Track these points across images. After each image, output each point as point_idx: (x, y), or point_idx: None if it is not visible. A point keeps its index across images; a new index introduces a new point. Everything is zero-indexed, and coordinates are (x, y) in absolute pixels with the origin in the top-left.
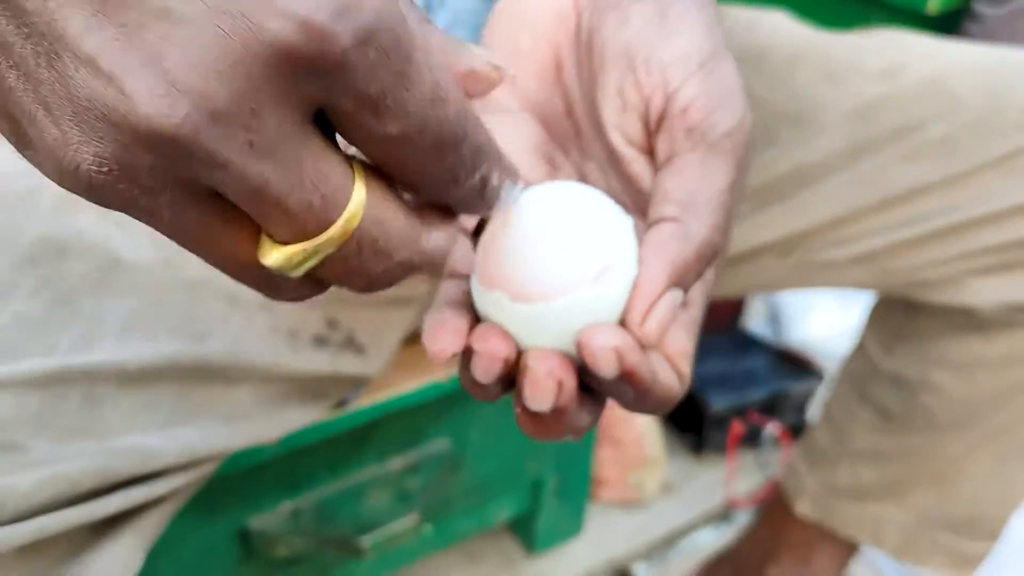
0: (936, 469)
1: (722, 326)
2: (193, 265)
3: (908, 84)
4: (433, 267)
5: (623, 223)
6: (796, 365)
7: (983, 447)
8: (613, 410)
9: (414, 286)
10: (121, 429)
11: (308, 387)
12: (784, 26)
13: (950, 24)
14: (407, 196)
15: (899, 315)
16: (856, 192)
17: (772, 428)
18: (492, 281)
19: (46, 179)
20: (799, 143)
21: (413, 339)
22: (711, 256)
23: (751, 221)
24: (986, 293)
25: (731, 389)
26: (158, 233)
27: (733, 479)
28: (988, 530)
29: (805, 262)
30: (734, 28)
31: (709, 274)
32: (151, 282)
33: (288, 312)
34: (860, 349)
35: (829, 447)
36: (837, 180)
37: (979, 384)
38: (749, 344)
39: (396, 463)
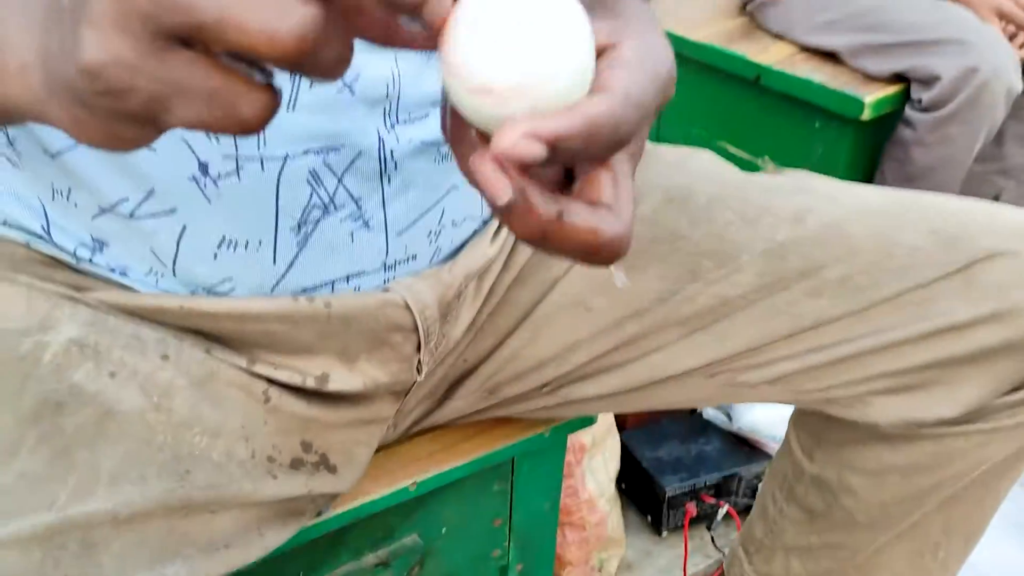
0: (859, 563)
1: (679, 412)
2: (178, 406)
3: (812, 228)
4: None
5: (579, 23)
6: (747, 448)
7: (899, 544)
8: (576, 495)
9: (380, 409)
10: (113, 571)
11: (285, 508)
12: (708, 168)
13: (885, 128)
14: None
15: (818, 423)
16: (770, 323)
17: (725, 509)
18: (448, 68)
19: (48, 336)
20: (720, 278)
21: (381, 448)
22: (612, 129)
23: (679, 347)
24: (887, 411)
25: (686, 472)
26: (147, 380)
27: (690, 558)
28: None
29: (728, 383)
30: (662, 168)
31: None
32: (141, 427)
33: (266, 439)
34: (786, 450)
35: (764, 539)
36: (754, 312)
37: (890, 488)
38: (704, 428)
39: (369, 559)
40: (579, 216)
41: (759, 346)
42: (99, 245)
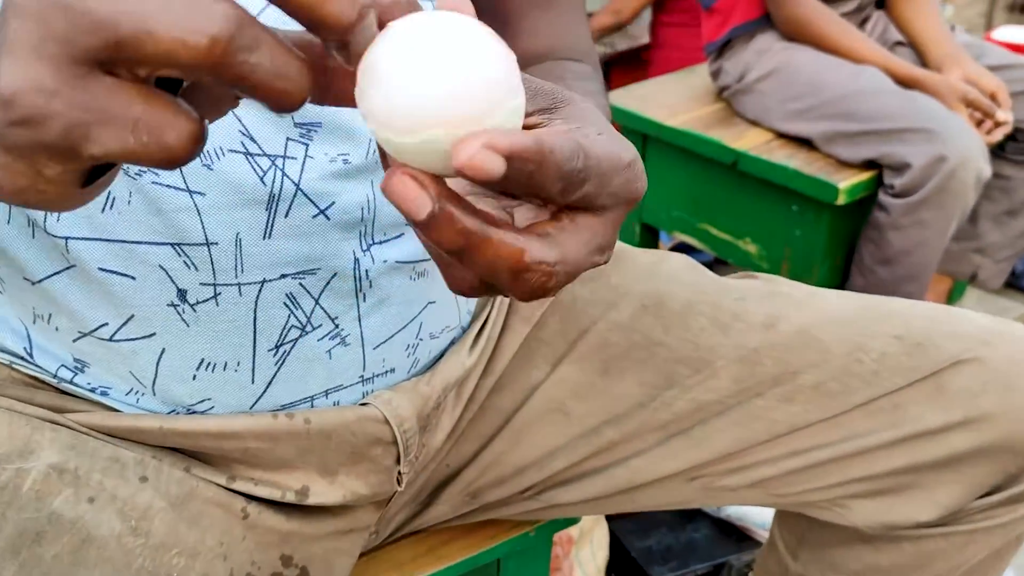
0: None
1: None
2: (156, 528)
3: (784, 334)
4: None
5: (501, 56)
6: (737, 536)
7: None
8: None
9: (361, 518)
10: None
11: None
12: (681, 273)
13: (860, 211)
14: None
15: (800, 523)
16: (747, 428)
17: None
18: (368, 114)
19: (28, 462)
20: (696, 384)
21: (363, 553)
22: (569, 165)
23: (658, 452)
24: (866, 514)
25: (676, 561)
26: (125, 503)
27: None
28: None
29: (708, 486)
30: (638, 273)
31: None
32: (119, 552)
33: (244, 555)
34: (772, 546)
35: None
36: (730, 417)
37: None
38: (693, 515)
39: None
40: (507, 232)
41: (737, 451)
42: (80, 366)
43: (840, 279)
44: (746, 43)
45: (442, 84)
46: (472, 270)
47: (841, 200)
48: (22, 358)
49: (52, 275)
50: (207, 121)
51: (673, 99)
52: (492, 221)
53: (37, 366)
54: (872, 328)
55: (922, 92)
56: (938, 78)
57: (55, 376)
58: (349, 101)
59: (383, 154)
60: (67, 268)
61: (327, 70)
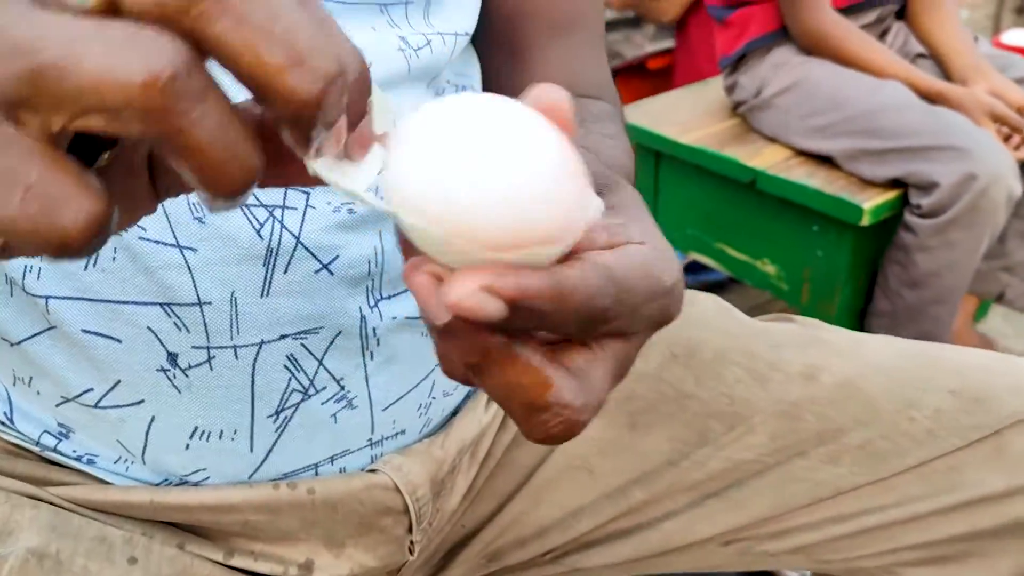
0: None
1: None
2: None
3: (826, 387)
4: None
5: (570, 175)
6: None
7: None
8: None
9: None
10: None
11: None
12: (712, 317)
13: (885, 231)
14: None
15: None
16: (787, 491)
17: None
18: (392, 189)
19: (5, 546)
20: (731, 441)
21: None
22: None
23: (691, 515)
24: None
25: None
26: None
27: None
28: None
29: (745, 551)
30: None
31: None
32: None
33: None
34: None
35: None
36: (769, 478)
37: None
38: None
39: None
40: (533, 355)
41: (777, 515)
42: (65, 431)
43: (864, 302)
44: (762, 57)
45: (496, 198)
46: (482, 385)
47: (865, 221)
48: (1, 423)
49: (32, 336)
50: (115, 216)
51: (686, 115)
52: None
53: (18, 432)
54: (923, 381)
55: (947, 107)
56: (964, 92)
57: (38, 443)
58: (297, 182)
59: (402, 235)
60: (48, 329)
61: (277, 148)
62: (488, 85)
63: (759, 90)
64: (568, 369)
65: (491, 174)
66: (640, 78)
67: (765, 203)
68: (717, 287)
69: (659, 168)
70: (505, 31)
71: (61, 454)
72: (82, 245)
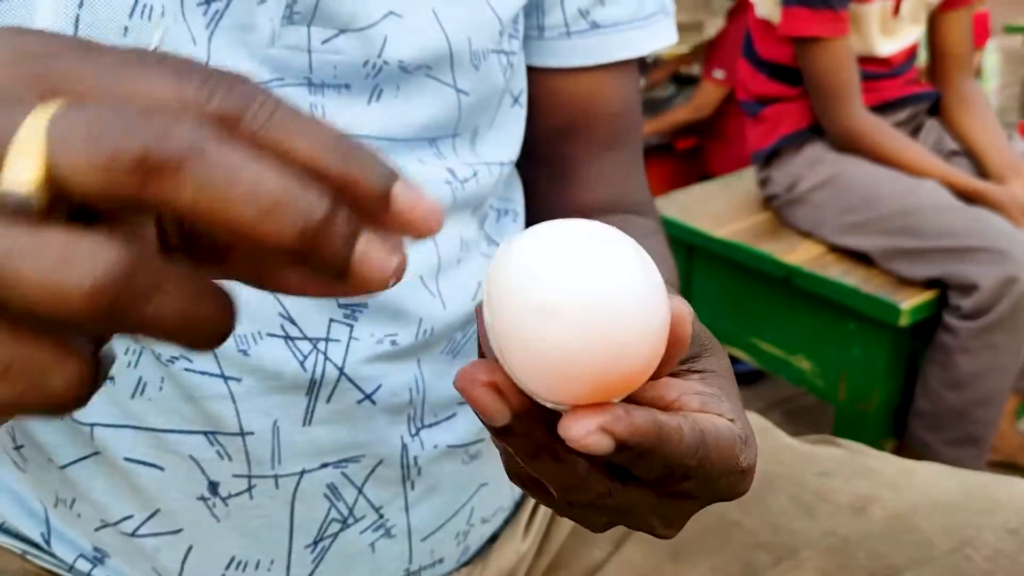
0: None
1: None
2: None
3: (877, 521)
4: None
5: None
6: None
7: None
8: None
9: None
10: None
11: None
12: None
13: (923, 330)
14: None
15: None
16: None
17: None
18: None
19: None
20: (779, 575)
21: None
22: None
23: None
24: None
25: None
26: None
27: None
28: None
29: None
30: None
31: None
32: None
33: None
34: None
35: None
36: None
37: None
38: None
39: None
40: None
41: None
42: (100, 556)
43: (903, 401)
44: (795, 152)
45: (592, 348)
46: (534, 471)
47: (903, 322)
48: (37, 546)
49: (76, 461)
50: (105, 365)
51: (719, 207)
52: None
53: (53, 556)
54: (980, 517)
55: (985, 206)
56: (1002, 191)
57: (72, 569)
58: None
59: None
60: (92, 455)
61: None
62: (532, 202)
63: (792, 185)
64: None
65: (600, 319)
66: (668, 159)
67: (800, 299)
68: (749, 378)
69: (692, 261)
70: (550, 149)
71: None
72: (76, 403)
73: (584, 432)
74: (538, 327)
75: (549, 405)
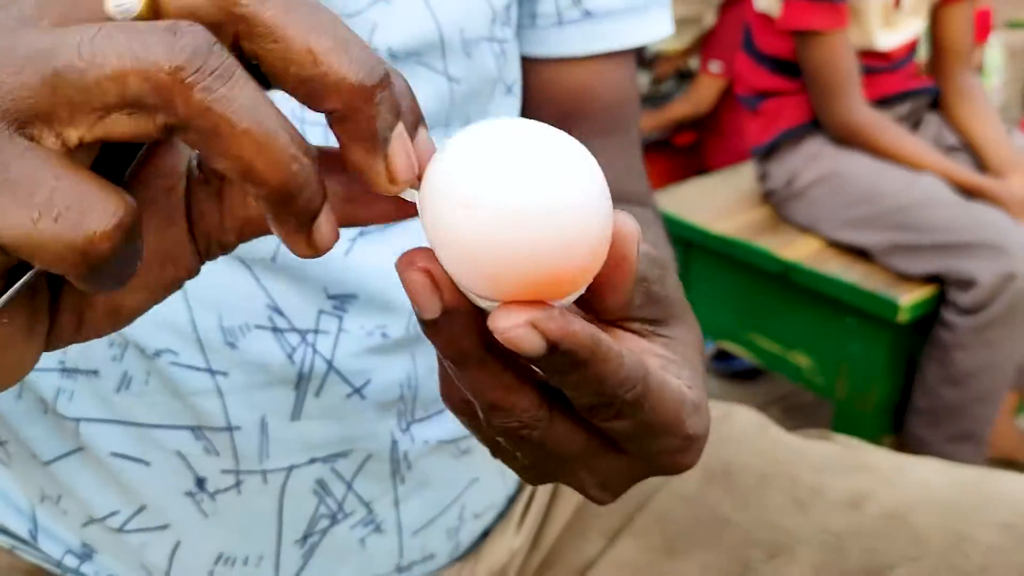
0: None
1: None
2: None
3: (871, 517)
4: None
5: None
6: None
7: None
8: None
9: None
10: None
11: None
12: (750, 435)
13: (922, 326)
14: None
15: None
16: None
17: None
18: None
19: None
20: (773, 571)
21: None
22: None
23: None
24: None
25: None
26: None
27: None
28: None
29: None
30: None
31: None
32: None
33: None
34: None
35: None
36: None
37: None
38: None
39: None
40: (505, 370)
41: None
42: (88, 552)
43: (901, 396)
44: (794, 147)
45: (531, 237)
46: (461, 383)
47: (902, 318)
48: (24, 542)
49: (61, 456)
50: (141, 239)
51: (717, 202)
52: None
53: (41, 552)
54: (975, 514)
55: (984, 201)
56: (1001, 186)
57: (59, 564)
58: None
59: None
60: (77, 450)
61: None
62: None
63: (791, 180)
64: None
65: (532, 211)
66: (666, 155)
67: (798, 295)
68: (745, 375)
69: (690, 256)
70: None
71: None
72: (110, 253)
73: (512, 323)
74: (466, 217)
75: (483, 304)
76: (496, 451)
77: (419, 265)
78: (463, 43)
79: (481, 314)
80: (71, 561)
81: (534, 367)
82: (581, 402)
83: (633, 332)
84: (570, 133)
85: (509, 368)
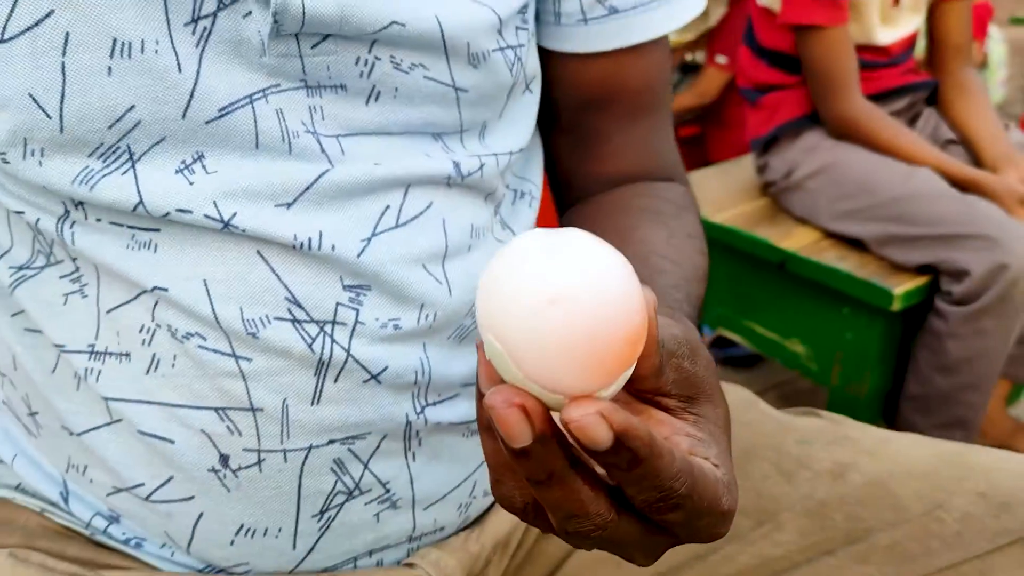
0: None
1: None
2: None
3: (854, 486)
4: None
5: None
6: None
7: None
8: None
9: None
10: None
11: None
12: (739, 412)
13: (916, 315)
14: None
15: None
16: None
17: None
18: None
19: None
20: (760, 537)
21: None
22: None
23: None
24: None
25: None
26: None
27: None
28: None
29: None
30: None
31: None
32: None
33: None
34: None
35: None
36: (798, 575)
37: None
38: None
39: None
40: (584, 480)
41: None
42: (115, 517)
43: (894, 385)
44: (793, 140)
45: (588, 341)
46: (530, 491)
47: (896, 306)
48: (55, 504)
49: (92, 430)
50: None
51: (717, 193)
52: (580, 461)
53: (71, 514)
54: (952, 483)
55: (979, 194)
56: (996, 180)
57: (88, 526)
58: None
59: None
60: (108, 424)
61: None
62: (556, 172)
63: (789, 172)
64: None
65: (593, 309)
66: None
67: (795, 284)
68: (744, 362)
69: None
70: (578, 118)
71: (111, 537)
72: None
73: (583, 413)
74: (545, 317)
75: (551, 400)
76: (557, 536)
77: (516, 402)
78: (469, 56)
79: (564, 441)
80: (100, 523)
81: (600, 466)
82: (642, 498)
83: (666, 409)
84: (597, 118)
85: (588, 481)
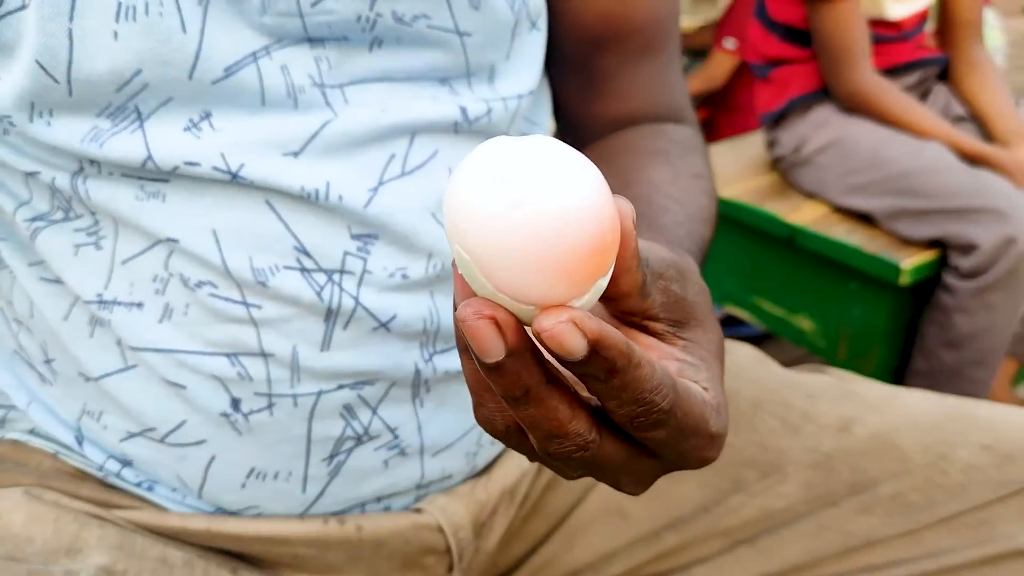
0: None
1: None
2: None
3: (860, 439)
4: None
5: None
6: None
7: None
8: None
9: None
10: None
11: None
12: (747, 367)
13: (924, 291)
14: None
15: None
16: (819, 540)
17: None
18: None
19: (76, 563)
20: (764, 489)
21: None
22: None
23: (722, 561)
24: None
25: None
26: None
27: None
28: None
29: None
30: None
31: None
32: None
33: None
34: None
35: None
36: (801, 527)
37: None
38: None
39: None
40: (563, 394)
41: (808, 563)
42: (127, 461)
43: (901, 360)
44: (803, 114)
45: (554, 247)
46: (510, 412)
47: (904, 280)
48: (68, 447)
49: (108, 375)
50: None
51: (727, 168)
52: (557, 378)
53: (84, 457)
54: (956, 435)
55: (989, 169)
56: (1006, 155)
57: (101, 468)
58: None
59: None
60: (123, 369)
61: None
62: (562, 112)
63: (799, 147)
64: (590, 409)
65: (562, 213)
66: None
67: (803, 259)
68: (752, 342)
69: None
70: (584, 57)
71: (124, 479)
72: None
73: (555, 321)
74: (517, 216)
75: (523, 311)
76: (541, 462)
77: (486, 314)
78: None
79: (538, 354)
80: (113, 466)
81: (578, 379)
82: (622, 412)
83: (655, 334)
84: (603, 57)
85: (565, 399)
